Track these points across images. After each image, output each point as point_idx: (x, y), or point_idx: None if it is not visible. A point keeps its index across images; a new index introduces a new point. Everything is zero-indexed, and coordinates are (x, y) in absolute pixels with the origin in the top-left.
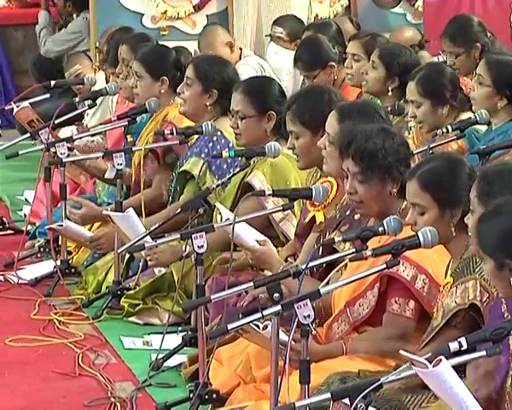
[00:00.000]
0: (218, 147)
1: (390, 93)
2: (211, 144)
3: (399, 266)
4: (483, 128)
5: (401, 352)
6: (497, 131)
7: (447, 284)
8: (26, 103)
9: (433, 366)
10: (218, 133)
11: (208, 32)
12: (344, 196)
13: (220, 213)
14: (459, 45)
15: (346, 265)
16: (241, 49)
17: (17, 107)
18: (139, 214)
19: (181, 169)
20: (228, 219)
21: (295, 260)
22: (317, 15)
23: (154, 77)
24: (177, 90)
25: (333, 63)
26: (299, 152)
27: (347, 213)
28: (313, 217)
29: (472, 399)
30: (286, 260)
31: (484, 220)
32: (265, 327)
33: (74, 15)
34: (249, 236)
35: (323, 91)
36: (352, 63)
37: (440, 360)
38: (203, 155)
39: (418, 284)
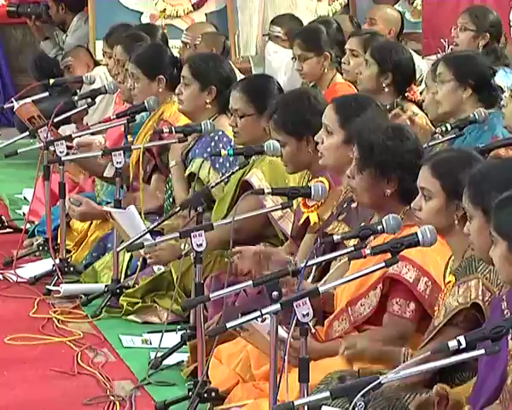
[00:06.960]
0: (221, 145)
1: (386, 89)
2: (213, 144)
3: (402, 268)
4: None
5: None
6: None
7: (449, 282)
8: (28, 100)
9: None
10: (220, 132)
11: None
12: (341, 195)
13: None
14: (474, 23)
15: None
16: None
17: (17, 103)
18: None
19: (187, 172)
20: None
21: None
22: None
23: (150, 77)
24: (176, 91)
25: (327, 54)
26: (286, 159)
27: (344, 205)
28: (308, 218)
29: None
30: None
31: (503, 203)
32: (264, 320)
33: (73, 21)
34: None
35: (302, 97)
36: (350, 59)
37: None
38: (205, 155)
39: (420, 287)
